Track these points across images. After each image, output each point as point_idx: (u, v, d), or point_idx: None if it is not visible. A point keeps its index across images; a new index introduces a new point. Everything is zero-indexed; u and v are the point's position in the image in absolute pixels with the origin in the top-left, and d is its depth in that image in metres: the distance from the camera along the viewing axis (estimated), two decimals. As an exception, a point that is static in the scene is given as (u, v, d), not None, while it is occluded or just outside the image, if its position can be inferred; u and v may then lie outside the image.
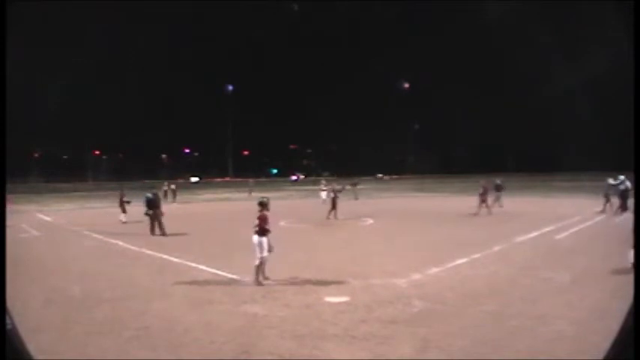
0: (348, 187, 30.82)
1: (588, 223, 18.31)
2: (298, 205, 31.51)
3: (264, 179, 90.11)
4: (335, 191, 22.12)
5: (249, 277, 9.61)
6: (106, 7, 77.47)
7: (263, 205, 9.63)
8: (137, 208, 19.99)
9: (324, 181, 33.90)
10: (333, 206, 21.52)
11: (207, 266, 11.25)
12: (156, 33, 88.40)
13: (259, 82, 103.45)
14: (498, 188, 27.65)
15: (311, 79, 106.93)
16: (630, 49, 2.18)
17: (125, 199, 21.65)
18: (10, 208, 23.87)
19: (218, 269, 10.83)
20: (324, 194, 28.82)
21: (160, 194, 23.79)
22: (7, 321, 2.79)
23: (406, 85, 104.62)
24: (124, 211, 21.44)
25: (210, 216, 25.69)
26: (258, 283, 9.24)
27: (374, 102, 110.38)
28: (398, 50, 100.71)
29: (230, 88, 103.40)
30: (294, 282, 9.53)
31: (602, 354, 3.03)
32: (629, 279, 8.62)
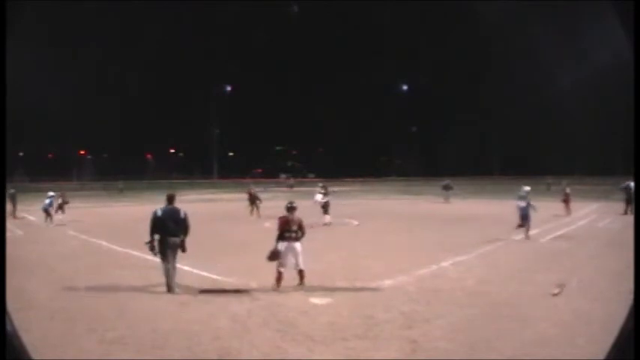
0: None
1: (573, 227, 18.46)
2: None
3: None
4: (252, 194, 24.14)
5: (233, 279, 9.72)
6: (98, 4, 76.52)
7: (288, 209, 9.54)
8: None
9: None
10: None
11: (193, 268, 11.16)
12: (144, 31, 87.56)
13: (247, 82, 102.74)
14: (447, 187, 33.51)
15: (300, 80, 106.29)
16: (630, 49, 2.18)
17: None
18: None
19: (203, 271, 10.74)
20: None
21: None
22: (7, 324, 2.74)
23: (404, 87, 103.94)
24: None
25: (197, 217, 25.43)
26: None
27: (364, 104, 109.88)
28: (393, 52, 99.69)
29: (228, 88, 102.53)
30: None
31: (598, 355, 3.04)
32: (615, 282, 8.73)
